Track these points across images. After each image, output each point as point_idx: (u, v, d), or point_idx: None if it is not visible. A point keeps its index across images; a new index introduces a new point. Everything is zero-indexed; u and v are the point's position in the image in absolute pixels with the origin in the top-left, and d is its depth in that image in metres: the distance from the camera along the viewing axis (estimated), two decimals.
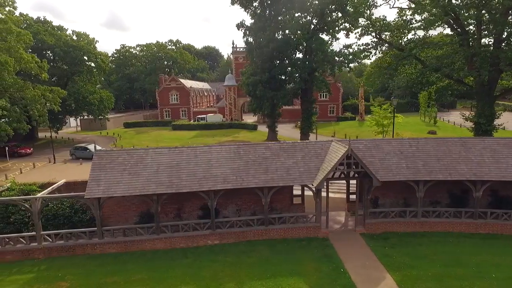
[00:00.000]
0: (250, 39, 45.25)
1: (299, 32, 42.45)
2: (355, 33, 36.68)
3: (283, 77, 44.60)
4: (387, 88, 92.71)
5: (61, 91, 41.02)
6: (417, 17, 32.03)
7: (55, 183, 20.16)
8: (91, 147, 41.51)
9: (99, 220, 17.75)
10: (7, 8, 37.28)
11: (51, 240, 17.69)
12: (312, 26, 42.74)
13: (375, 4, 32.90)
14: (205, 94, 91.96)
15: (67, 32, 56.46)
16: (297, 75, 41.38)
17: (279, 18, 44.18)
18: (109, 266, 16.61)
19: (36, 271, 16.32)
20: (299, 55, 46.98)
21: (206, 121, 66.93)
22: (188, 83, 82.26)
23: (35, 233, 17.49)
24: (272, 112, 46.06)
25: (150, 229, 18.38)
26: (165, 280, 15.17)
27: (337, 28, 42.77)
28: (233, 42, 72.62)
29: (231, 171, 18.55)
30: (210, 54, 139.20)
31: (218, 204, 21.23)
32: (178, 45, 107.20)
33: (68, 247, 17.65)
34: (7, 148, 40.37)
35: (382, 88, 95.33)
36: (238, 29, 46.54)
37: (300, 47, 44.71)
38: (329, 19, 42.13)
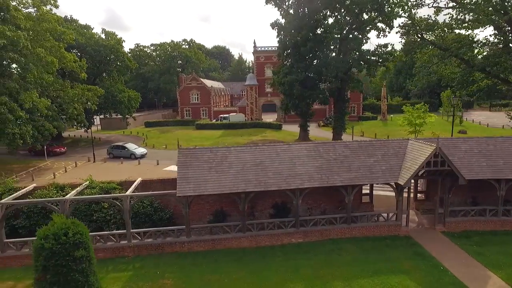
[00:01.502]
0: (283, 38, 45.20)
1: (334, 30, 42.43)
2: (398, 32, 36.83)
3: (317, 76, 44.51)
4: (403, 88, 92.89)
5: (99, 89, 41.03)
6: (467, 17, 32.10)
7: (133, 181, 20.12)
8: (128, 146, 41.55)
9: (188, 218, 17.78)
10: (48, 6, 37.13)
11: (140, 238, 17.68)
12: (348, 25, 42.67)
13: (423, 3, 32.94)
14: (222, 93, 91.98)
15: (93, 31, 56.49)
16: (332, 74, 41.32)
17: (314, 17, 44.15)
18: (202, 264, 16.58)
19: (132, 269, 16.31)
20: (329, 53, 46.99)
21: (229, 120, 66.86)
22: (208, 82, 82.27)
23: (125, 231, 17.47)
24: (306, 112, 46.11)
25: (236, 227, 18.40)
26: (268, 278, 15.17)
27: (368, 28, 42.60)
28: (254, 42, 72.08)
29: (315, 170, 18.57)
30: (221, 53, 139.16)
31: (290, 203, 21.35)
32: (191, 44, 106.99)
33: (157, 245, 17.64)
34: (45, 147, 40.25)
35: (398, 88, 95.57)
36: (273, 28, 46.46)
37: (332, 46, 44.68)
38: (365, 18, 42.06)
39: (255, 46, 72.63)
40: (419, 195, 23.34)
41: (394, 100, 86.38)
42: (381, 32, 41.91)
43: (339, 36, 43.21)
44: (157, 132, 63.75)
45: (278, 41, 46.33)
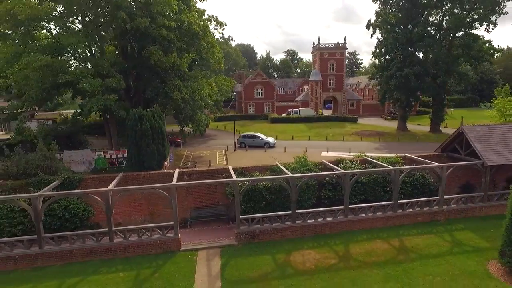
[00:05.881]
0: (391, 34, 47.93)
1: (447, 26, 45.50)
2: None
3: (425, 71, 47.50)
4: None
5: (233, 81, 42.35)
6: None
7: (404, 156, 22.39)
8: (260, 135, 43.10)
9: (487, 186, 20.10)
10: None
11: (447, 205, 19.88)
12: (458, 22, 45.72)
13: None
14: None
15: None
16: (443, 68, 44.45)
17: (419, 13, 47.11)
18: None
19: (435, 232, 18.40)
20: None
21: (299, 114, 69.00)
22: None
23: (437, 197, 19.66)
24: (410, 104, 49.12)
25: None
26: None
27: (477, 24, 45.62)
28: (318, 38, 74.77)
29: None
30: (247, 51, 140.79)
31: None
32: (229, 42, 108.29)
33: (461, 210, 19.88)
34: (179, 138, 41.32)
35: None
36: (368, 28, 49.43)
37: (443, 41, 47.69)
38: (476, 14, 45.16)
39: (318, 43, 75.14)
40: None
41: None
42: (487, 28, 45.28)
43: (444, 32, 46.41)
44: (236, 125, 64.75)
45: (383, 37, 49.07)
